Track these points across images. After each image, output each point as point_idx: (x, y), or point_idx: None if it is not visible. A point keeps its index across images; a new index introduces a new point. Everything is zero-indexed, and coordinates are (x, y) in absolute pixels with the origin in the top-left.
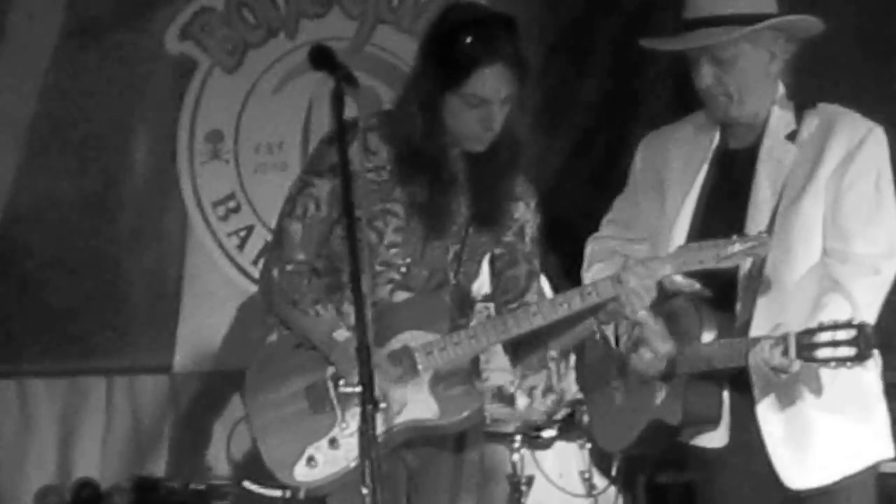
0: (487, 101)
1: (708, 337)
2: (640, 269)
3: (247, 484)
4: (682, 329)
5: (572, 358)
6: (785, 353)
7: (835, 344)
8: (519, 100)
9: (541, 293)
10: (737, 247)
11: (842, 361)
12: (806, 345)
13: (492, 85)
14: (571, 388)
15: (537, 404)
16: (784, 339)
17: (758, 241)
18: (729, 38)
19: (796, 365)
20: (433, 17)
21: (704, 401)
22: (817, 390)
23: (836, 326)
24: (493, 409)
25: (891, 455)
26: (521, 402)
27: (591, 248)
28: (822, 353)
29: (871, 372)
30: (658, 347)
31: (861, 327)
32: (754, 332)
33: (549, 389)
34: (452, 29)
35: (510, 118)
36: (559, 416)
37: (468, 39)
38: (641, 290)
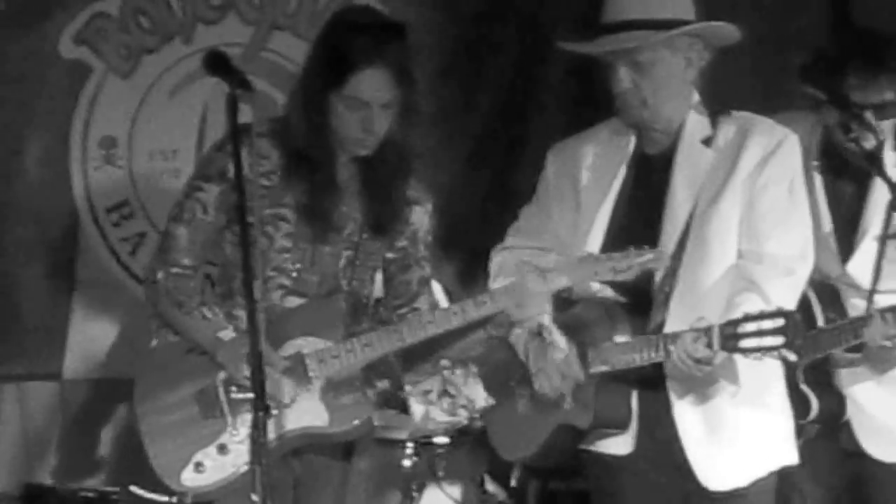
0: (367, 104)
1: (621, 338)
2: (536, 280)
3: (134, 489)
4: (592, 332)
5: (473, 367)
6: (709, 344)
7: (761, 333)
8: (406, 105)
9: (432, 299)
10: (632, 260)
11: (768, 350)
12: (730, 335)
13: (370, 88)
14: (480, 397)
15: (435, 413)
16: (707, 330)
17: (653, 254)
18: (650, 42)
19: (720, 356)
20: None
21: (615, 403)
22: (735, 384)
23: (762, 316)
24: (388, 418)
25: (795, 461)
26: (418, 410)
27: (498, 259)
28: (748, 343)
29: (780, 380)
30: (564, 373)
31: (789, 315)
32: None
33: (444, 393)
34: (339, 29)
35: (398, 123)
36: (460, 424)
37: (350, 41)
38: (537, 300)
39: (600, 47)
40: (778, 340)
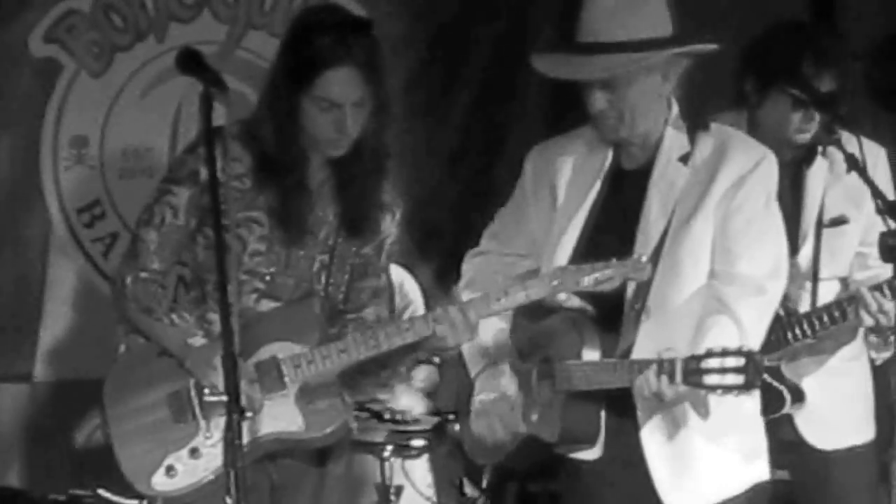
0: (338, 104)
1: (589, 355)
2: (453, 310)
3: (102, 493)
4: (560, 346)
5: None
6: (671, 378)
7: (723, 371)
8: (378, 102)
9: (381, 311)
10: (613, 270)
11: (728, 389)
12: (693, 370)
13: (340, 88)
14: (418, 405)
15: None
16: (671, 363)
17: (635, 265)
18: (625, 70)
19: (681, 390)
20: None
21: (582, 420)
22: (704, 415)
23: (724, 353)
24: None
25: (766, 477)
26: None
27: (470, 264)
28: (710, 379)
29: (754, 398)
30: (505, 425)
31: (750, 355)
32: (637, 352)
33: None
34: (304, 30)
35: (371, 121)
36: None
37: (317, 41)
38: (457, 328)
39: (574, 74)
40: (738, 380)
